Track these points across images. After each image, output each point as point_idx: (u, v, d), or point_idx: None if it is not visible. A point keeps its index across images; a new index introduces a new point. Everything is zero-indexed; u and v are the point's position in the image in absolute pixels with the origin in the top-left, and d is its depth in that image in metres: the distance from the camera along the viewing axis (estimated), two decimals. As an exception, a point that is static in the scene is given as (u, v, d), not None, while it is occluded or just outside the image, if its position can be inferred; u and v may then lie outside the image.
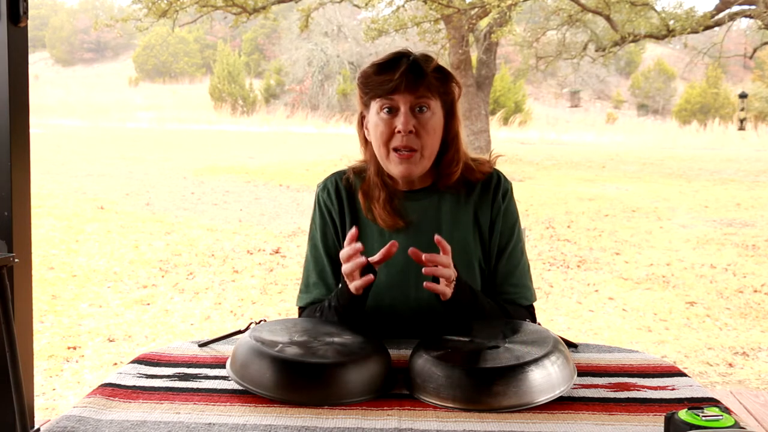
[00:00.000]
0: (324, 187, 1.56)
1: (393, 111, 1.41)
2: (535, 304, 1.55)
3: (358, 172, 1.55)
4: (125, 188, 10.24)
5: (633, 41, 10.85)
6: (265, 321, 1.30)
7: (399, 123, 1.39)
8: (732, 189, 11.46)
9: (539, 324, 1.35)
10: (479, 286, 1.49)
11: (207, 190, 10.45)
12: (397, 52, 1.45)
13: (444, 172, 1.48)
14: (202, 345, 1.37)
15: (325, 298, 1.50)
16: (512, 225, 1.52)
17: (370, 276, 1.28)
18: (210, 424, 1.01)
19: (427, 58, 1.44)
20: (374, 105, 1.43)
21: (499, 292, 1.49)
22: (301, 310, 1.55)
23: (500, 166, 1.57)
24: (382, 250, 1.29)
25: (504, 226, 1.50)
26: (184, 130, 21.87)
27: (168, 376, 1.21)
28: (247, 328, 1.31)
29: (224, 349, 1.35)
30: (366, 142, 1.51)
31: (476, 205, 1.50)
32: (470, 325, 1.31)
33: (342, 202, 1.53)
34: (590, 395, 1.12)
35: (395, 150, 1.41)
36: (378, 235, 1.49)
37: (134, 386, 1.16)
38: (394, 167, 1.43)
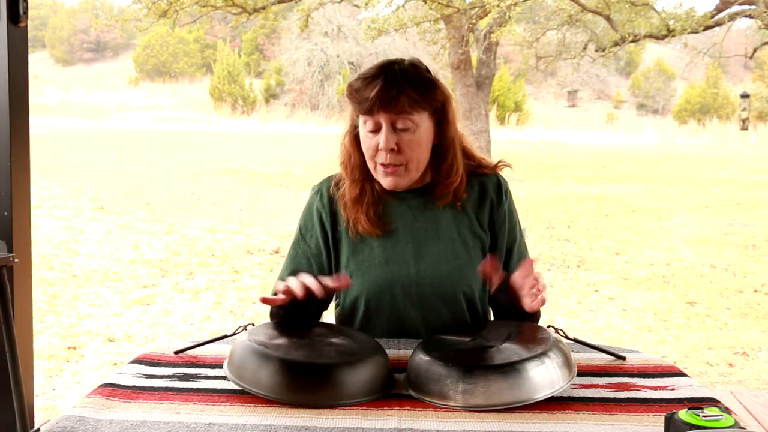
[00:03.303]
0: (318, 191, 1.57)
1: (376, 128, 1.41)
2: None
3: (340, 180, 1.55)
4: (125, 188, 10.23)
5: (633, 41, 10.83)
6: (252, 325, 1.30)
7: (381, 141, 1.40)
8: (732, 189, 11.46)
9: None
10: (480, 281, 1.50)
11: (207, 190, 10.45)
12: (380, 65, 1.44)
13: (443, 182, 1.48)
14: (178, 352, 1.33)
15: None
16: (515, 222, 1.56)
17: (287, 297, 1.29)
18: (210, 424, 1.01)
19: (405, 72, 1.41)
20: (361, 119, 1.45)
21: None
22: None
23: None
24: (334, 283, 1.31)
25: (510, 224, 1.53)
26: (184, 130, 21.84)
27: (168, 376, 1.21)
28: (234, 333, 1.30)
29: (225, 350, 1.34)
30: (350, 156, 1.50)
31: (474, 203, 1.51)
32: (470, 326, 1.31)
33: (333, 207, 1.54)
34: (590, 395, 1.12)
35: (382, 164, 1.43)
36: (376, 242, 1.49)
37: (134, 386, 1.16)
38: (382, 179, 1.45)
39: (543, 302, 1.30)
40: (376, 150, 1.41)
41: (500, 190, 1.52)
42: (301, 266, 1.53)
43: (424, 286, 1.45)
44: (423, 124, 1.42)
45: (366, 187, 1.49)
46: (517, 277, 1.34)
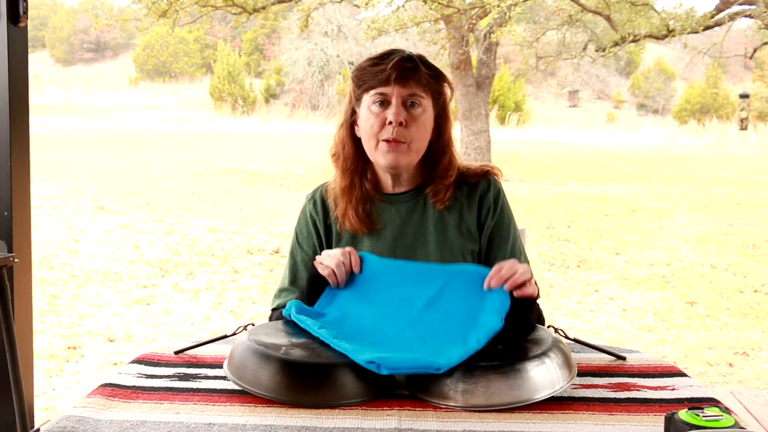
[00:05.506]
0: (312, 198, 1.58)
1: (385, 104, 1.43)
2: None
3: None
4: (125, 188, 10.23)
5: (633, 41, 10.83)
6: (252, 325, 1.30)
7: (390, 114, 1.40)
8: (732, 189, 11.46)
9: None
10: None
11: (207, 190, 10.45)
12: (392, 49, 1.48)
13: (440, 181, 1.49)
14: (178, 352, 1.33)
15: None
16: (510, 223, 1.54)
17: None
18: (210, 424, 1.01)
19: (420, 56, 1.47)
20: (366, 98, 1.45)
21: None
22: (272, 311, 1.56)
23: (500, 167, 1.58)
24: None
25: (504, 225, 1.52)
26: (184, 130, 21.82)
27: (168, 376, 1.21)
28: (234, 333, 1.31)
29: (225, 350, 1.34)
30: (344, 146, 1.51)
31: (464, 206, 1.51)
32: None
33: (327, 213, 1.55)
34: (590, 395, 1.12)
35: (384, 140, 1.42)
36: (366, 240, 1.50)
37: (134, 386, 1.16)
38: (381, 157, 1.44)
39: (514, 284, 1.21)
40: (383, 124, 1.42)
41: (490, 191, 1.51)
42: (300, 274, 1.54)
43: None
44: (428, 109, 1.46)
45: (356, 181, 1.50)
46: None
